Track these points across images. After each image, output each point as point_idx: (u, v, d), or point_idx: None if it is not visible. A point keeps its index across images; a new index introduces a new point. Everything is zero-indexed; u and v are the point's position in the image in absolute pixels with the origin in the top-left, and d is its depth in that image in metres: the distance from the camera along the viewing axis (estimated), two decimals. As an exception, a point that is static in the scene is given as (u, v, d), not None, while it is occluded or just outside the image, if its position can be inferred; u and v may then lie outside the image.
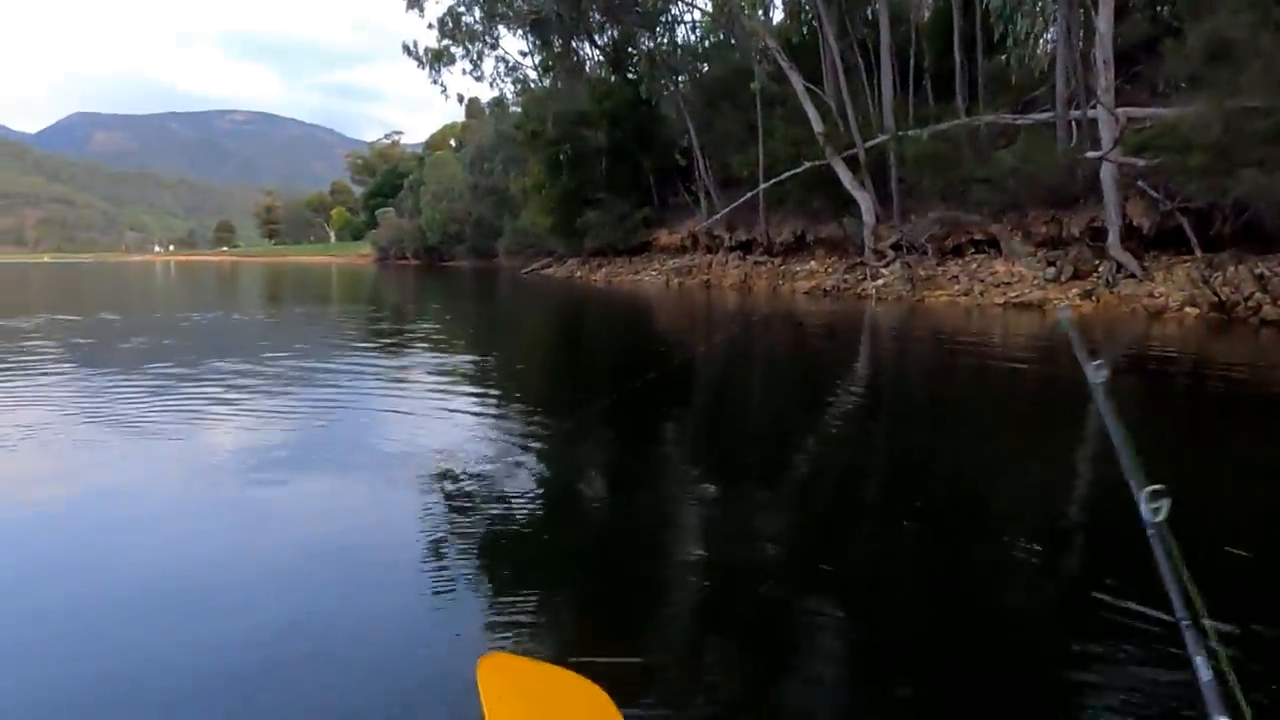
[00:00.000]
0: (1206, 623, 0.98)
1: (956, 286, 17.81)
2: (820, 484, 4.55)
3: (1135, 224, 15.13)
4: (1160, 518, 1.01)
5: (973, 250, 18.81)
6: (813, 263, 23.33)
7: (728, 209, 26.24)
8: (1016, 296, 16.25)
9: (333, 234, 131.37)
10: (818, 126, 21.67)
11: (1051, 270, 16.62)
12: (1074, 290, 15.66)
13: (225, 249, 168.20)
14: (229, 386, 7.37)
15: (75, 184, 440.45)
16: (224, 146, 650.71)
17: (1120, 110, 14.69)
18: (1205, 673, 0.85)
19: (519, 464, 4.58)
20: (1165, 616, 2.42)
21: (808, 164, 21.70)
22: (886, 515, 3.91)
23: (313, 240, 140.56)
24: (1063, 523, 3.72)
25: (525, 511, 3.79)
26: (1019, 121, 18.20)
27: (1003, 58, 19.52)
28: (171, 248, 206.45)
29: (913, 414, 6.72)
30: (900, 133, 19.83)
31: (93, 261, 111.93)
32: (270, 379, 8.00)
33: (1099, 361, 1.33)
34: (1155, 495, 1.05)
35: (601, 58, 34.57)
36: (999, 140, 18.68)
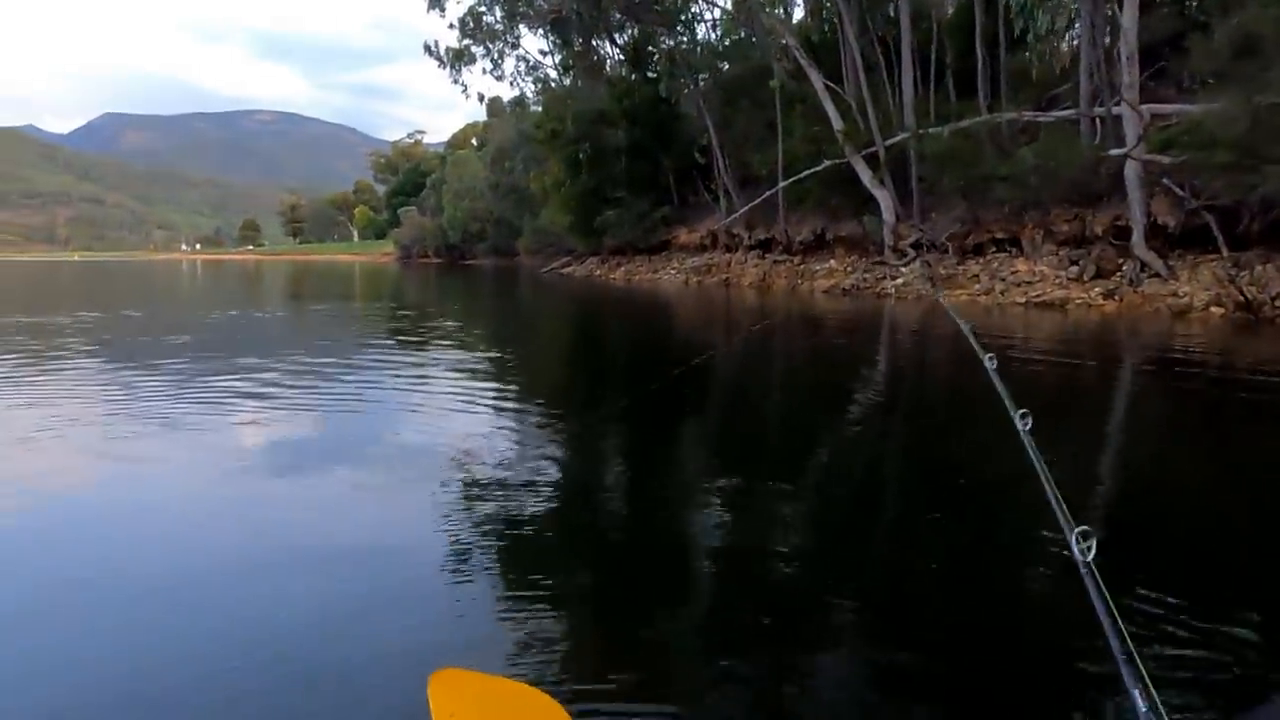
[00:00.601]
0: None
1: (977, 285, 17.67)
2: (838, 484, 4.53)
3: (1160, 222, 14.91)
4: (1090, 556, 1.04)
5: (993, 249, 18.66)
6: (832, 261, 23.23)
7: (747, 207, 26.19)
8: (1038, 295, 16.08)
9: (356, 232, 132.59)
10: (837, 124, 21.57)
11: (1074, 269, 16.45)
12: (1097, 289, 15.48)
13: (250, 247, 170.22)
14: (253, 382, 7.47)
15: (105, 183, 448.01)
16: (249, 146, 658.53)
17: (1145, 107, 14.52)
18: (1141, 704, 0.87)
19: (537, 463, 4.62)
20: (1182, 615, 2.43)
21: (827, 162, 21.61)
22: (907, 513, 3.92)
23: (336, 239, 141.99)
24: (1084, 516, 3.72)
25: (543, 511, 3.81)
26: (1041, 118, 18.02)
27: (1026, 54, 19.34)
28: (198, 246, 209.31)
29: (932, 411, 6.70)
30: (920, 130, 19.70)
31: (121, 260, 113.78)
32: (293, 375, 8.12)
33: (991, 355, 1.36)
34: (1085, 536, 1.08)
35: (621, 57, 34.60)
36: (1021, 138, 18.49)
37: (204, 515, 3.79)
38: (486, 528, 3.54)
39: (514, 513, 3.74)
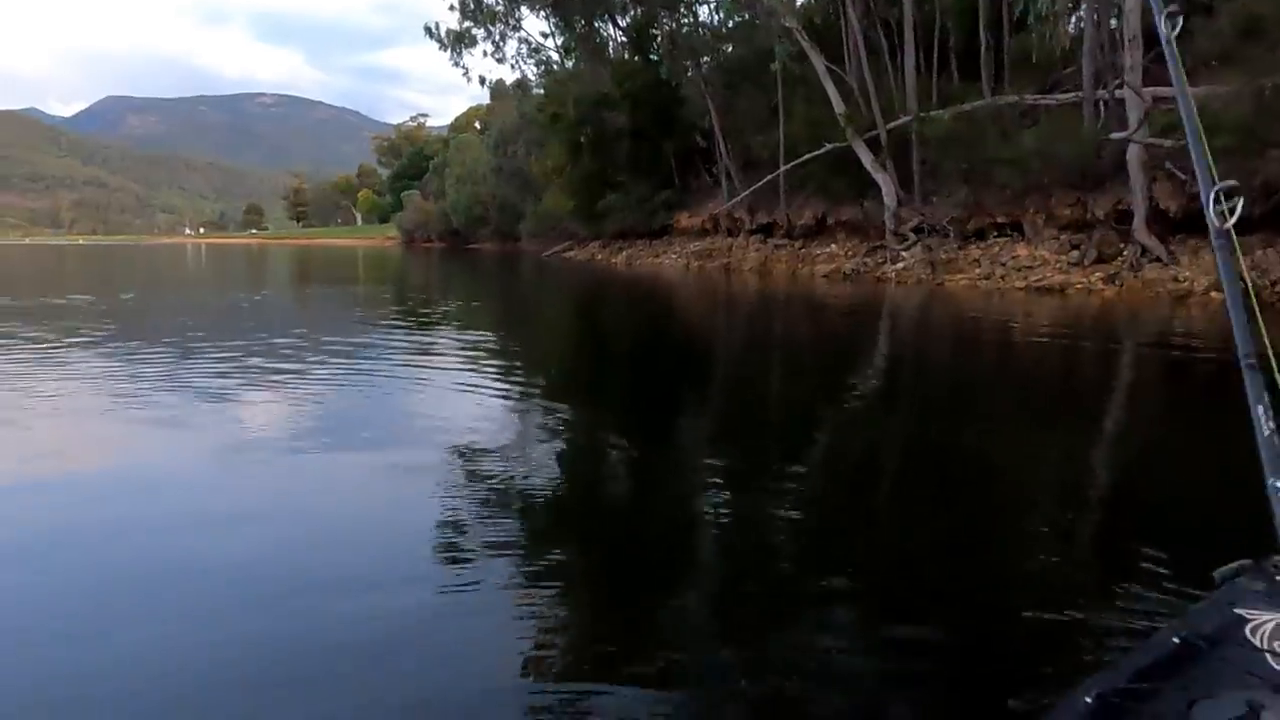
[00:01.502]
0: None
1: (977, 270, 17.61)
2: (839, 464, 4.53)
3: (1162, 206, 14.82)
4: (1230, 222, 0.99)
5: (995, 233, 18.57)
6: (833, 246, 23.16)
7: (748, 191, 26.08)
8: (1038, 280, 16.03)
9: (359, 216, 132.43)
10: (839, 108, 21.43)
11: (1075, 254, 16.38)
12: (1097, 274, 15.42)
13: (254, 231, 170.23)
14: (260, 364, 7.56)
15: (108, 167, 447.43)
16: (253, 129, 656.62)
17: (1147, 90, 14.37)
18: (1265, 426, 0.79)
19: (538, 444, 4.64)
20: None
21: (829, 146, 21.49)
22: (906, 494, 3.94)
23: (340, 222, 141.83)
24: (1082, 495, 3.73)
25: (544, 493, 3.84)
26: (1044, 102, 17.87)
27: (1030, 36, 19.15)
28: (202, 230, 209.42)
29: (930, 396, 6.71)
30: (922, 114, 19.57)
31: (125, 243, 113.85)
32: (298, 357, 8.18)
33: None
34: (1229, 193, 1.03)
35: (624, 39, 34.40)
36: (1024, 121, 18.36)
37: (208, 499, 3.80)
38: (492, 507, 3.57)
39: (519, 493, 3.76)
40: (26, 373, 6.93)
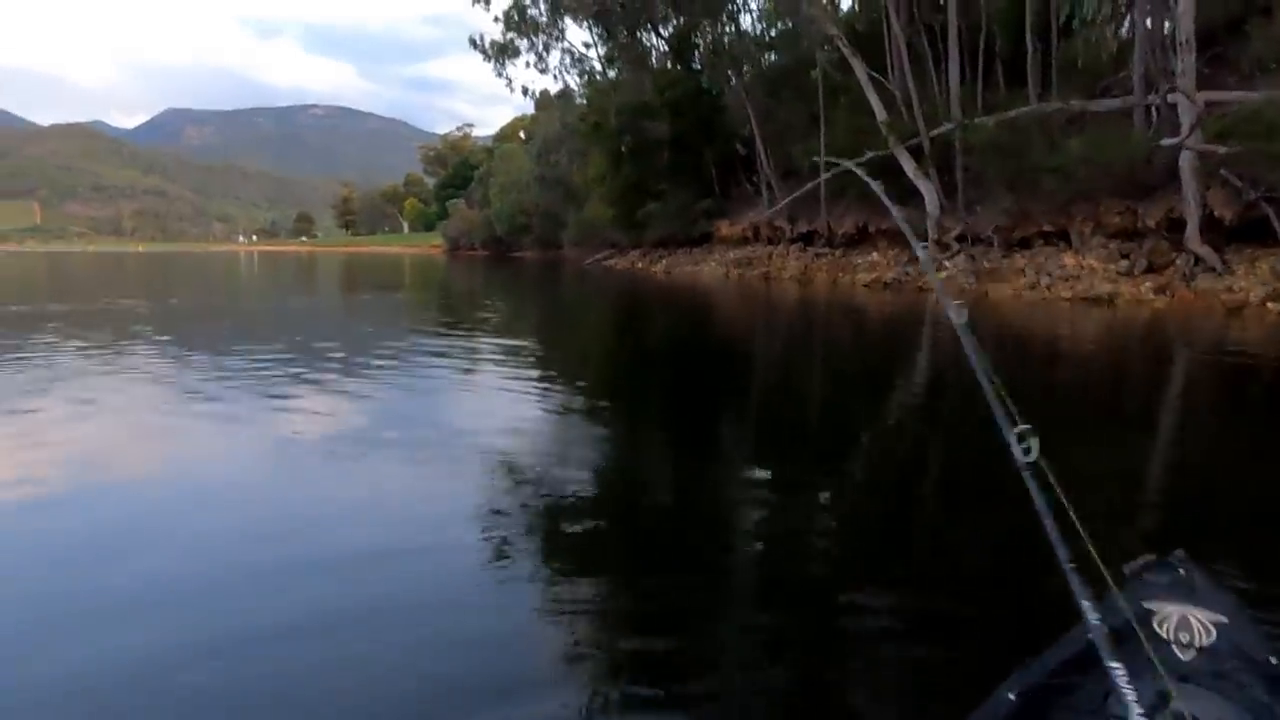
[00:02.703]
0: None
1: (1022, 279, 17.26)
2: (873, 475, 4.47)
3: (1216, 215, 14.38)
4: (1031, 457, 1.03)
5: (1041, 242, 18.20)
6: (874, 254, 22.92)
7: (788, 199, 25.92)
8: (1085, 290, 15.66)
9: (406, 225, 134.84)
10: (881, 115, 21.24)
11: (1124, 263, 15.97)
12: (1147, 284, 15.01)
13: (304, 239, 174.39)
14: (309, 367, 7.83)
15: (167, 176, 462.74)
16: (305, 140, 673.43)
17: (1201, 94, 13.98)
18: (1093, 617, 0.86)
19: (579, 447, 4.69)
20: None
21: (870, 154, 21.26)
22: (947, 503, 3.91)
23: (387, 230, 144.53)
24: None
25: (584, 494, 3.89)
26: (1092, 108, 17.46)
27: (1079, 42, 18.76)
28: (255, 238, 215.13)
29: (973, 406, 6.61)
30: (966, 121, 19.29)
31: (183, 251, 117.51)
32: (347, 361, 8.47)
33: (959, 302, 1.38)
34: (1024, 435, 1.07)
35: (665, 48, 34.56)
36: (1071, 128, 17.97)
37: (253, 500, 3.91)
38: (531, 508, 3.63)
39: (557, 496, 3.82)
40: (105, 370, 7.22)
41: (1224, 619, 1.44)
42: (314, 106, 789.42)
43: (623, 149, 34.47)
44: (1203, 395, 7.26)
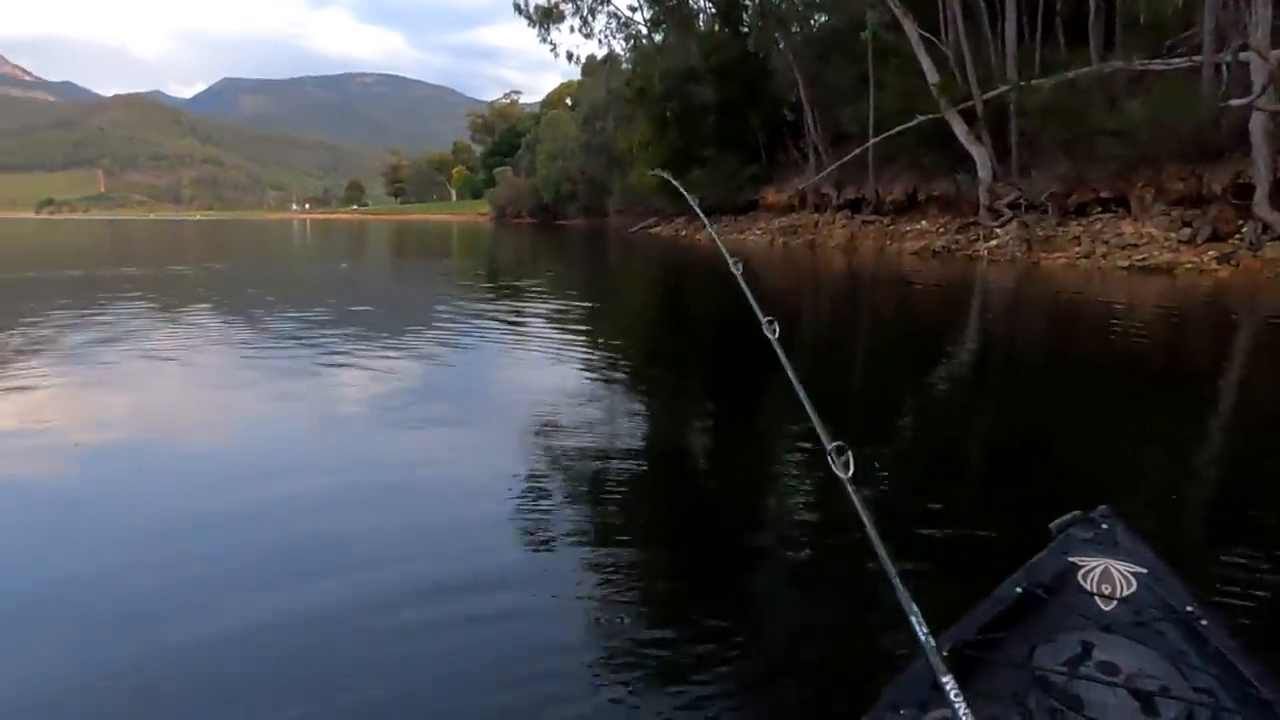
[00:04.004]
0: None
1: (1077, 248, 16.72)
2: (923, 459, 4.39)
3: (1287, 179, 13.72)
4: (849, 473, 1.03)
5: (1098, 209, 17.55)
6: (923, 222, 22.39)
7: (835, 165, 25.46)
8: (1143, 259, 15.12)
9: (454, 193, 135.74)
10: (932, 77, 20.59)
11: (1186, 231, 15.35)
12: (1210, 253, 14.43)
13: (355, 207, 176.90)
14: (359, 332, 8.09)
15: (224, 146, 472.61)
16: (356, 108, 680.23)
17: (1276, 53, 13.25)
18: (921, 630, 0.88)
19: (624, 414, 4.72)
20: None
21: (921, 117, 20.71)
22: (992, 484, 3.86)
23: (436, 198, 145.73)
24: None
25: (627, 462, 3.92)
26: (1157, 67, 16.65)
27: (1144, -2, 17.89)
28: (307, 206, 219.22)
29: (1023, 378, 6.48)
30: (1022, 82, 18.59)
31: (239, 219, 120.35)
32: (397, 326, 8.73)
33: (736, 258, 1.37)
34: (840, 450, 1.06)
35: (712, 10, 33.91)
36: (1134, 89, 17.19)
37: (304, 466, 4.00)
38: (574, 479, 3.66)
39: (602, 467, 3.82)
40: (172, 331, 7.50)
41: (1144, 570, 1.50)
42: (364, 75, 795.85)
43: (668, 114, 34.08)
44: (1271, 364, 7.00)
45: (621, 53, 38.60)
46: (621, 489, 3.58)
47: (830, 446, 1.02)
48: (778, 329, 1.28)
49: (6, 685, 2.05)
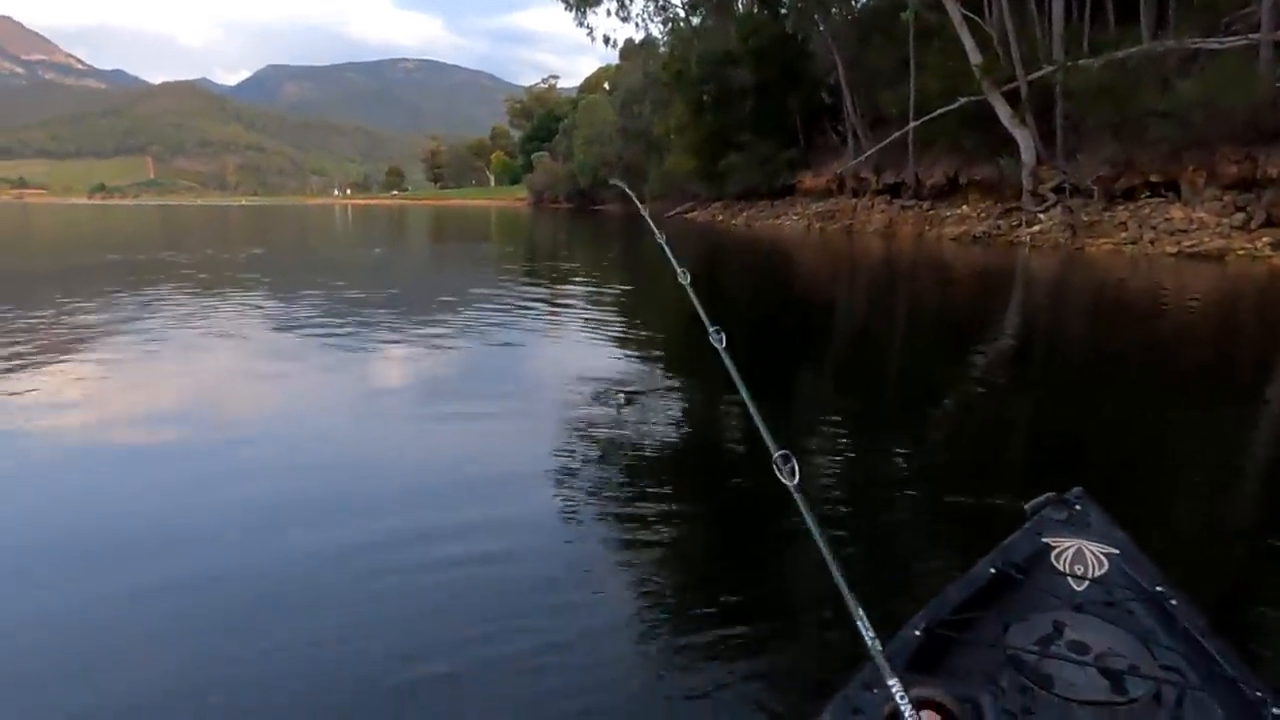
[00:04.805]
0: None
1: (1123, 234, 16.30)
2: (956, 446, 4.35)
3: (1348, 163, 13.21)
4: (795, 480, 1.03)
5: (1146, 193, 17.07)
6: (964, 207, 21.99)
7: (875, 148, 25.07)
8: (1192, 245, 14.71)
9: (493, 178, 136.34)
10: (975, 58, 20.13)
11: (1239, 216, 14.88)
12: (1264, 239, 14.00)
13: (395, 192, 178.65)
14: (399, 315, 8.30)
15: (267, 133, 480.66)
16: (395, 94, 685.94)
17: (1337, 30, 12.74)
18: (869, 634, 0.90)
19: (658, 397, 4.73)
20: None
21: (963, 99, 20.29)
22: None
23: (474, 184, 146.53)
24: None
25: (661, 444, 3.96)
26: (1211, 46, 16.07)
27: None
28: (349, 191, 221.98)
29: (1065, 368, 6.37)
30: (1069, 63, 18.08)
31: (282, 204, 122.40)
32: (437, 308, 8.88)
33: (664, 235, 1.35)
34: (785, 459, 1.05)
35: (751, -9, 33.48)
36: (1187, 69, 16.64)
37: (337, 446, 4.06)
38: (603, 458, 3.71)
39: (635, 450, 3.86)
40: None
41: (1115, 551, 1.53)
42: (403, 60, 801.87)
43: (705, 98, 33.84)
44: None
45: (659, 36, 38.28)
46: (654, 465, 3.64)
47: (776, 454, 1.03)
48: (724, 339, 1.29)
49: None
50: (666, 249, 1.41)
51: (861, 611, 0.87)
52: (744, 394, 1.21)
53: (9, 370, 5.36)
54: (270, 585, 2.51)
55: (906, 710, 0.84)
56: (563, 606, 2.35)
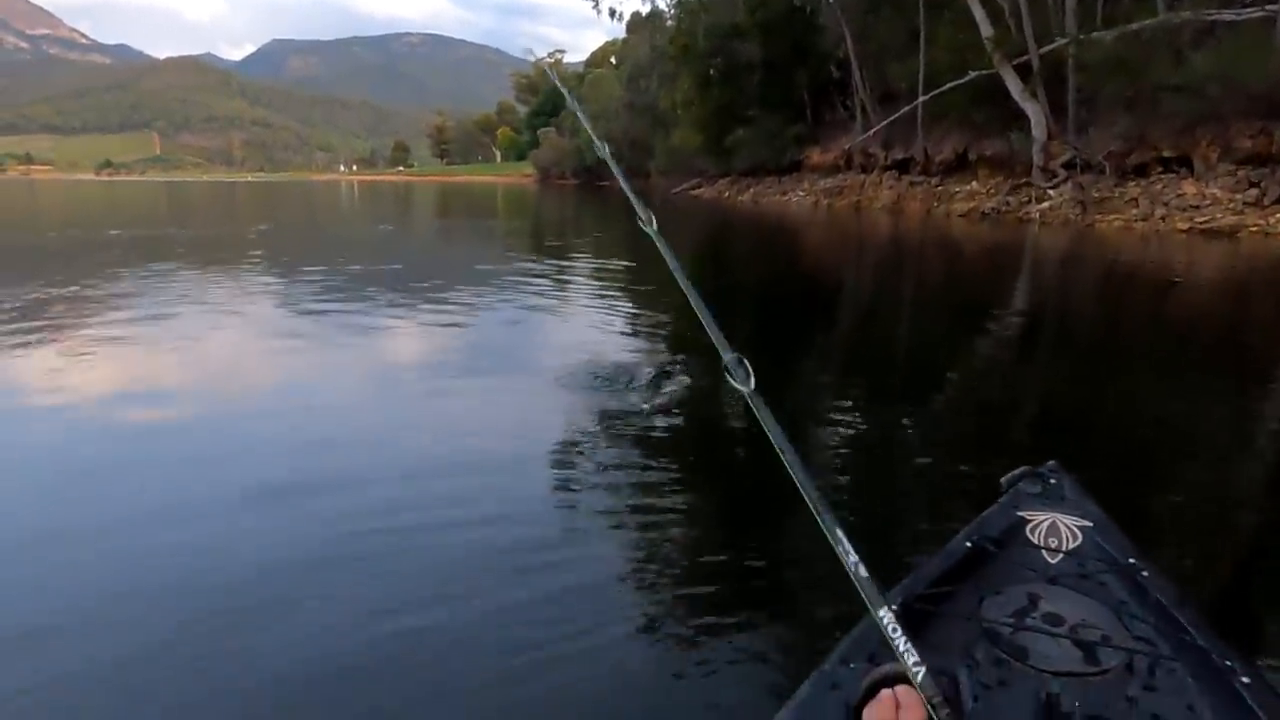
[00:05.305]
0: None
1: (1134, 210, 16.12)
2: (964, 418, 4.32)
3: (1366, 137, 12.99)
4: (750, 385, 0.98)
5: (1159, 169, 16.85)
6: (973, 183, 21.76)
7: (883, 123, 24.77)
8: (1205, 222, 14.53)
9: (499, 154, 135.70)
10: (986, 31, 19.81)
11: (1253, 192, 14.68)
12: (1278, 215, 13.82)
13: (401, 168, 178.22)
14: (405, 291, 8.27)
15: (273, 108, 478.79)
16: (400, 69, 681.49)
17: (1358, 1, 12.48)
18: (852, 558, 0.86)
19: (666, 373, 4.70)
20: None
21: (973, 73, 20.00)
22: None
23: (480, 160, 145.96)
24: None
25: (671, 419, 3.91)
26: (1227, 18, 15.76)
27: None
28: (355, 167, 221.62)
29: (1073, 345, 6.32)
30: (1082, 36, 17.78)
31: (288, 180, 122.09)
32: (443, 285, 8.85)
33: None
34: (739, 361, 1.00)
35: (760, -37, 32.95)
36: (1203, 41, 16.33)
37: (343, 421, 4.06)
38: (610, 433, 3.69)
39: (641, 423, 3.82)
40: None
41: (1089, 523, 1.55)
42: (409, 35, 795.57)
43: (711, 72, 33.46)
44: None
45: (665, 9, 37.91)
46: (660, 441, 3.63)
47: (728, 358, 0.98)
48: (655, 223, 1.22)
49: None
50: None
51: (839, 532, 0.83)
52: (689, 291, 1.13)
53: (20, 345, 5.40)
54: (280, 549, 2.59)
55: (901, 644, 0.82)
56: (559, 563, 2.43)
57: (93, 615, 2.16)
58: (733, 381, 0.94)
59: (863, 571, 0.80)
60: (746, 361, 0.96)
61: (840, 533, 0.82)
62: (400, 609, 2.15)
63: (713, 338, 1.01)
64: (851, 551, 0.81)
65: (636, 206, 1.29)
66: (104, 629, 2.09)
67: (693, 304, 1.13)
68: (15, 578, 2.40)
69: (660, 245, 1.24)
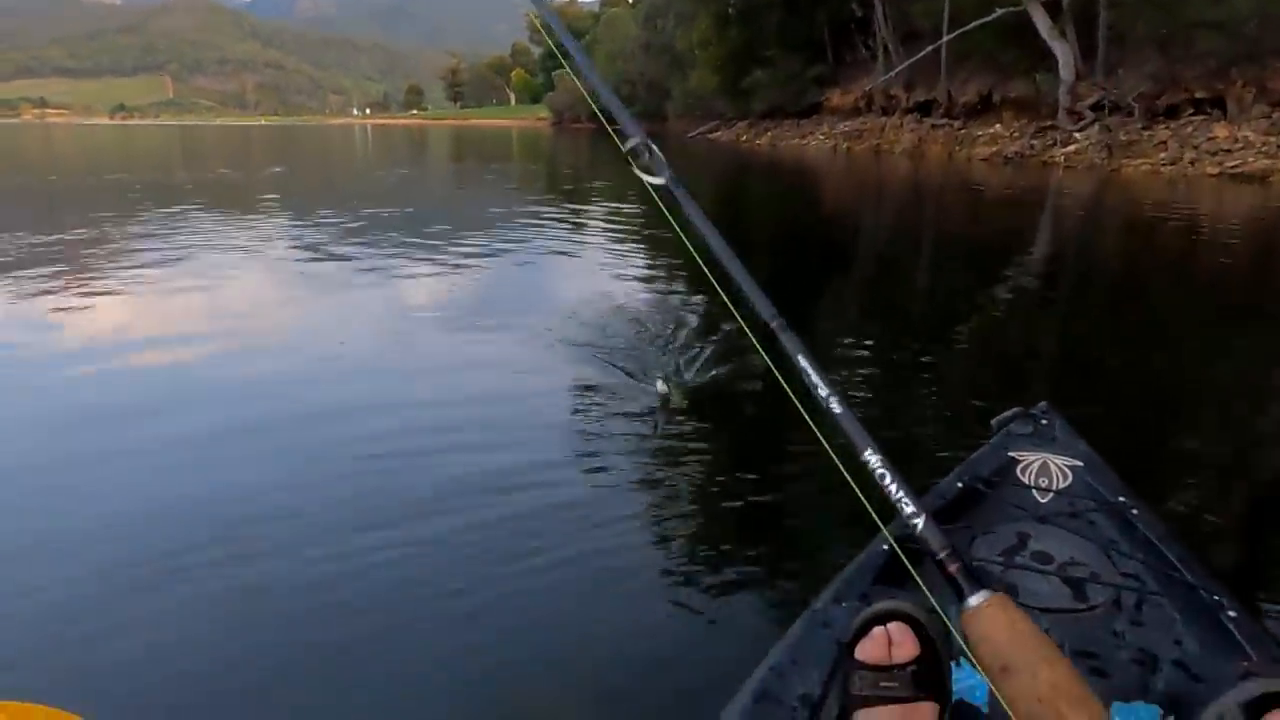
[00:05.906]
0: None
1: (1162, 154, 15.69)
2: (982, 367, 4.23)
3: None
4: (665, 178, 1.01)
5: (1190, 110, 16.35)
6: (997, 126, 21.22)
7: (905, 64, 24.12)
8: (1235, 166, 14.15)
9: (513, 96, 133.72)
10: (1016, -34, 19.11)
11: (1287, 135, 14.25)
12: (1312, 159, 13.44)
13: (414, 112, 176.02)
14: (421, 235, 8.28)
15: (285, 50, 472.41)
16: (413, 9, 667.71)
17: None
18: (833, 404, 0.92)
19: (678, 326, 4.68)
20: None
21: (1000, 11, 19.33)
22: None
23: (495, 102, 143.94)
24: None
25: (683, 379, 3.81)
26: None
27: None
28: (368, 111, 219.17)
29: (1094, 296, 6.23)
30: (1116, -30, 17.11)
31: (303, 124, 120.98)
32: (459, 228, 8.89)
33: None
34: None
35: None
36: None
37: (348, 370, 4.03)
38: (623, 392, 3.56)
39: (654, 370, 3.75)
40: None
41: (1079, 463, 1.56)
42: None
43: (730, 11, 32.61)
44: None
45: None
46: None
47: (633, 142, 0.99)
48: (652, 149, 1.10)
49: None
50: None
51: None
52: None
53: (38, 292, 5.43)
54: (294, 470, 2.75)
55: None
56: (556, 483, 2.56)
57: (111, 528, 2.32)
58: (639, 173, 0.94)
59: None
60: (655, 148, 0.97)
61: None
62: (414, 518, 2.33)
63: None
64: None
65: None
66: (115, 541, 2.26)
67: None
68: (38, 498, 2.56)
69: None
